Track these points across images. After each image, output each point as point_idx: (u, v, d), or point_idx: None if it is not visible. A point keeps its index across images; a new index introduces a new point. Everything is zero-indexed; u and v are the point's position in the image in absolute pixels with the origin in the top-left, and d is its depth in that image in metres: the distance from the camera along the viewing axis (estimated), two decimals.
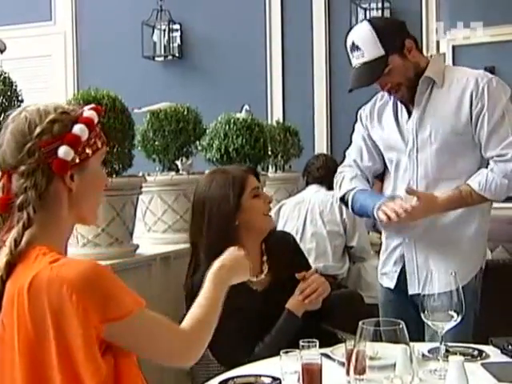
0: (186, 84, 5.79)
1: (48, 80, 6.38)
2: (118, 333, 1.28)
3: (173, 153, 3.31)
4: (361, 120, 2.52)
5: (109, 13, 6.05)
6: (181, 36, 5.88)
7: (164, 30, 5.81)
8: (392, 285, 2.44)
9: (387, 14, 5.20)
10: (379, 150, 2.48)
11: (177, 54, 5.89)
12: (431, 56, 2.45)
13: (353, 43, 2.30)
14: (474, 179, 2.26)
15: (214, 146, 3.52)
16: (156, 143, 3.29)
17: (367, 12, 5.25)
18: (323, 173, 4.16)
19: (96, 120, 1.37)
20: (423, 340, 2.20)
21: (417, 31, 4.95)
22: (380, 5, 5.22)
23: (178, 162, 3.36)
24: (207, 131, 3.53)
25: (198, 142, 3.43)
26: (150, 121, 3.31)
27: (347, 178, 2.49)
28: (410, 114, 2.36)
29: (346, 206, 2.50)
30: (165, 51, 5.87)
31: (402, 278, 2.41)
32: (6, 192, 1.32)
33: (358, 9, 5.27)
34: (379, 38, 2.25)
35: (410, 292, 2.36)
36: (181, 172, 3.35)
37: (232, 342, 2.14)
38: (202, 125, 3.42)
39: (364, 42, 2.27)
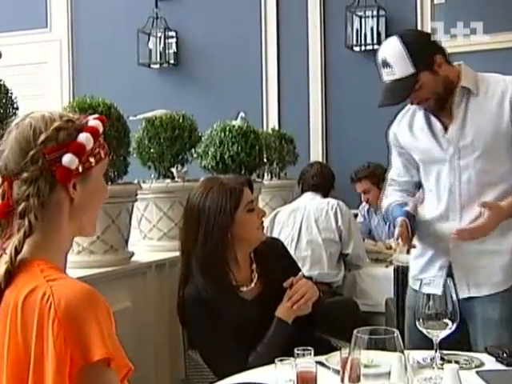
0: (182, 91, 5.79)
1: (44, 87, 6.37)
2: (85, 378, 1.15)
3: (168, 160, 3.30)
4: (390, 140, 2.55)
5: (104, 20, 6.05)
6: (176, 43, 5.89)
7: (160, 38, 5.81)
8: (438, 290, 2.45)
9: (382, 22, 5.21)
10: (415, 162, 2.50)
11: (172, 62, 5.89)
12: (459, 64, 2.42)
13: (384, 60, 2.29)
14: None
15: (210, 153, 3.52)
16: (151, 150, 3.28)
17: (362, 20, 5.26)
18: (318, 180, 4.17)
19: (101, 130, 1.35)
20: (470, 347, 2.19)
21: None
22: (375, 13, 5.23)
23: (174, 170, 3.36)
24: (203, 138, 3.53)
25: (193, 150, 3.43)
26: (146, 128, 3.31)
27: (384, 198, 2.58)
28: (441, 122, 2.37)
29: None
30: (160, 58, 5.86)
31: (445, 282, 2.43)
32: (5, 198, 1.28)
33: (354, 17, 5.28)
34: (410, 56, 2.24)
35: (461, 296, 2.35)
36: (176, 179, 3.34)
37: (226, 352, 2.14)
38: (197, 132, 3.42)
39: (395, 59, 2.26)
